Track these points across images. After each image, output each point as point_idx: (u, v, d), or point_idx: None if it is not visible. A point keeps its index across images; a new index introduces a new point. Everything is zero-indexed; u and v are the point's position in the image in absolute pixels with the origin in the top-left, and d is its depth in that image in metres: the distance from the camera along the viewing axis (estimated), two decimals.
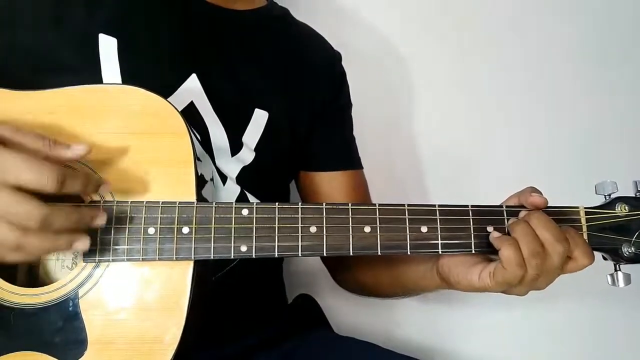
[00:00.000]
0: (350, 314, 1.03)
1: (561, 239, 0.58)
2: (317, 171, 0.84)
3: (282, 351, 0.75)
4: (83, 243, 0.54)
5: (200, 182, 0.71)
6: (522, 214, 0.62)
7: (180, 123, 0.61)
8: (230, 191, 0.73)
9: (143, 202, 0.59)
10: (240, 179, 0.74)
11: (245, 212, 0.60)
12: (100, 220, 0.56)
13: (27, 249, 0.51)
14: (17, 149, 0.51)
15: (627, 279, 0.63)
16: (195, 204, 0.59)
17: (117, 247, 0.58)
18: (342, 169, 0.85)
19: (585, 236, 0.62)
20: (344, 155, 0.86)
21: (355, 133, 0.90)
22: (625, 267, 0.63)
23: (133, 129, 0.61)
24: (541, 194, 0.63)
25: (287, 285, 0.89)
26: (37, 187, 0.50)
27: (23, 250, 0.51)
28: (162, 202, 0.59)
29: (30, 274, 0.63)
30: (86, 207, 0.57)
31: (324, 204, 0.61)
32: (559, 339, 1.10)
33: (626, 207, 0.63)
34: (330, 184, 0.84)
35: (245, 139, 0.75)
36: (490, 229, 0.61)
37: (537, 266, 0.58)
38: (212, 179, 0.72)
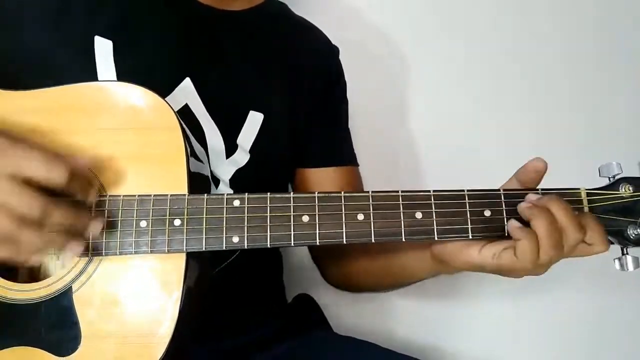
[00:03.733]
0: (350, 313, 1.01)
1: (580, 229, 0.56)
2: (310, 167, 0.83)
3: (281, 351, 0.74)
4: (76, 247, 0.54)
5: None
6: (532, 197, 0.58)
7: (172, 117, 0.61)
8: None
9: (135, 195, 0.59)
10: (234, 181, 0.74)
11: (236, 202, 0.59)
12: (96, 229, 0.56)
13: (19, 243, 0.50)
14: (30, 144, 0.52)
15: (636, 262, 0.60)
16: (186, 195, 0.59)
17: (109, 241, 0.58)
18: (335, 165, 0.83)
19: None
20: (337, 151, 0.85)
21: (353, 129, 0.88)
22: (633, 250, 0.61)
23: (126, 124, 0.61)
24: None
25: (287, 284, 0.87)
26: (45, 178, 0.50)
27: (14, 243, 0.50)
28: (154, 195, 0.59)
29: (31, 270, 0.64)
30: (86, 210, 0.57)
31: (316, 192, 0.60)
32: (564, 336, 1.07)
33: (630, 188, 0.60)
34: (323, 181, 0.82)
35: (240, 140, 0.75)
36: (487, 213, 0.59)
37: (551, 259, 0.56)
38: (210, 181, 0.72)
